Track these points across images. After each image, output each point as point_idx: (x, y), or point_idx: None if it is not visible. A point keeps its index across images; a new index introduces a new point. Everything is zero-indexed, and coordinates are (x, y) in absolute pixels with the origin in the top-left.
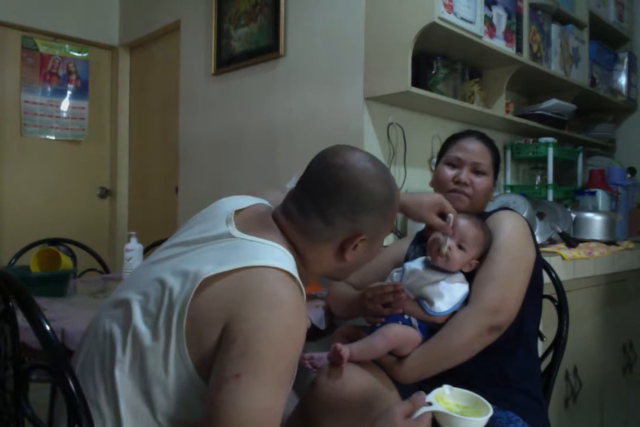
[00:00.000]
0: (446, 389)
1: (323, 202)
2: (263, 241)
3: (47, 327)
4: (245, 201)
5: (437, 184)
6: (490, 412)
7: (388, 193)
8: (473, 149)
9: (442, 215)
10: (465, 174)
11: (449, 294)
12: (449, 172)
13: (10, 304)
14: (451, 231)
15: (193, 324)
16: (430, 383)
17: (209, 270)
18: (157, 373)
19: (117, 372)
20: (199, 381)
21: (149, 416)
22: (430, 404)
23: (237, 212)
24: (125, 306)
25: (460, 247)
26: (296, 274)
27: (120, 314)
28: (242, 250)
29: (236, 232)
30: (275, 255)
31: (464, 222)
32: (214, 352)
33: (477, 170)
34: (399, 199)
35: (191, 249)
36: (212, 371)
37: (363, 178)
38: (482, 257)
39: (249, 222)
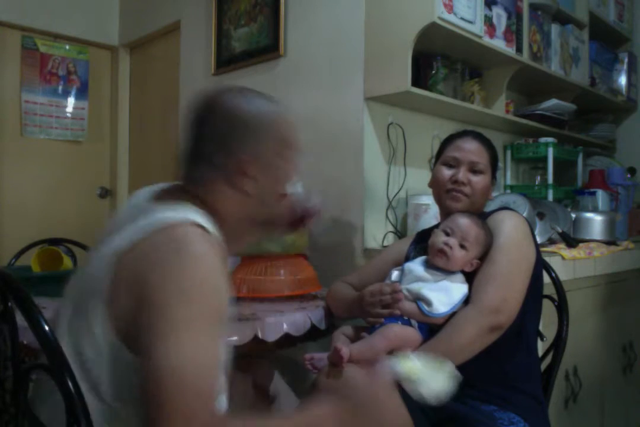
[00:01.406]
0: (409, 355)
1: (197, 147)
2: (167, 205)
3: (46, 328)
4: (156, 186)
5: (435, 184)
6: (451, 369)
7: (256, 109)
8: (469, 148)
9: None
10: (462, 174)
11: (447, 295)
12: (447, 172)
13: (9, 304)
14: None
15: (113, 302)
16: None
17: (122, 243)
18: (93, 359)
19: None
20: (131, 357)
21: (98, 401)
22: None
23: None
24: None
25: (462, 246)
26: (207, 225)
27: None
28: (149, 217)
29: (145, 205)
30: (178, 211)
31: (465, 221)
32: (135, 322)
33: (474, 170)
34: (279, 114)
35: (113, 232)
36: (138, 340)
37: (222, 105)
38: (483, 257)
39: (157, 196)
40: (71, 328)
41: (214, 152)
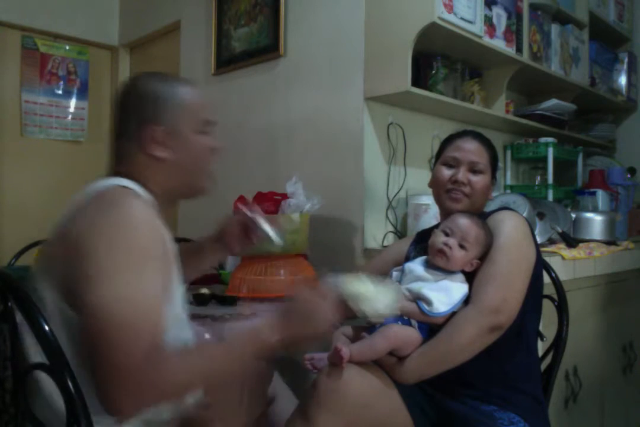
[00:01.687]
0: (359, 275)
1: (115, 120)
2: (94, 184)
3: (46, 327)
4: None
5: (435, 184)
6: (395, 287)
7: (163, 85)
8: (469, 148)
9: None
10: (462, 174)
11: (448, 294)
12: (446, 172)
13: (9, 303)
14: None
15: (56, 266)
16: (431, 383)
17: (62, 221)
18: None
19: None
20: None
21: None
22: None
23: None
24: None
25: (461, 246)
26: (135, 188)
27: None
28: (80, 194)
29: (74, 195)
30: (106, 182)
31: (465, 221)
32: (73, 278)
33: (474, 170)
34: (186, 90)
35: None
36: (76, 293)
37: (133, 87)
38: (483, 257)
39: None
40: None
41: (126, 122)
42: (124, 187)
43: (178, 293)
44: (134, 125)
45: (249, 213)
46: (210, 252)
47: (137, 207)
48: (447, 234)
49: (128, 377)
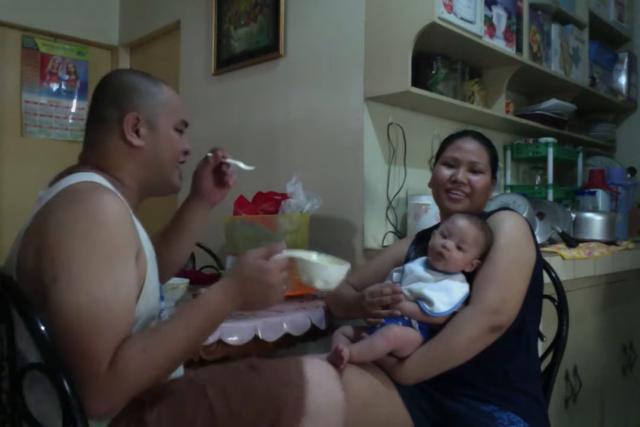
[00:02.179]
0: (302, 251)
1: (91, 109)
2: (58, 182)
3: (42, 328)
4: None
5: (435, 184)
6: (347, 266)
7: (145, 79)
8: (469, 148)
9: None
10: (462, 174)
11: (448, 294)
12: (446, 172)
13: (7, 303)
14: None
15: (21, 264)
16: (431, 383)
17: (26, 221)
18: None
19: None
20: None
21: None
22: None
23: None
24: None
25: (459, 248)
26: (101, 181)
27: None
28: (42, 199)
29: (40, 192)
30: (71, 178)
31: (463, 222)
32: (38, 274)
33: (474, 170)
34: (167, 89)
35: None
36: (41, 291)
37: (116, 76)
38: (484, 257)
39: (58, 178)
40: None
41: (104, 108)
42: (93, 182)
43: (153, 291)
44: (112, 112)
45: (209, 155)
46: (193, 212)
47: (106, 201)
48: (445, 236)
49: (95, 379)
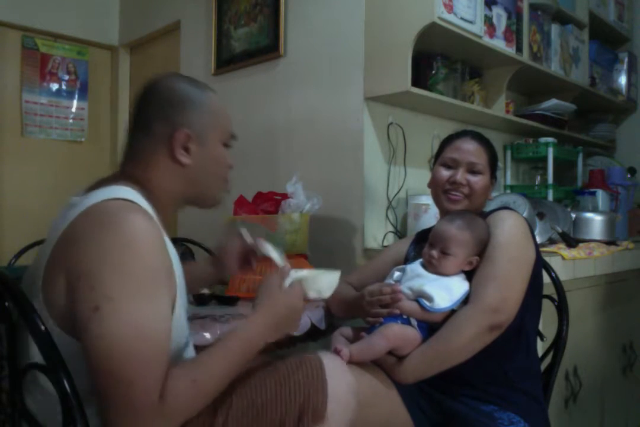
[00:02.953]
0: (299, 270)
1: (138, 117)
2: (96, 191)
3: (42, 327)
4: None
5: (434, 185)
6: (336, 273)
7: (196, 90)
8: (468, 148)
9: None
10: (461, 175)
11: (448, 291)
12: (445, 173)
13: (7, 303)
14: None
15: (49, 287)
16: (431, 383)
17: (54, 235)
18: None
19: None
20: (73, 342)
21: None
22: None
23: None
24: None
25: (446, 253)
26: (135, 199)
27: None
28: (76, 205)
29: (74, 199)
30: (108, 192)
31: (445, 228)
32: (71, 301)
33: (473, 170)
34: (216, 99)
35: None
36: (76, 318)
37: (165, 83)
38: (482, 254)
39: (93, 187)
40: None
41: (153, 120)
42: (124, 200)
43: (182, 312)
44: (162, 126)
45: (249, 238)
46: (204, 275)
47: (140, 224)
48: (431, 244)
49: (142, 413)
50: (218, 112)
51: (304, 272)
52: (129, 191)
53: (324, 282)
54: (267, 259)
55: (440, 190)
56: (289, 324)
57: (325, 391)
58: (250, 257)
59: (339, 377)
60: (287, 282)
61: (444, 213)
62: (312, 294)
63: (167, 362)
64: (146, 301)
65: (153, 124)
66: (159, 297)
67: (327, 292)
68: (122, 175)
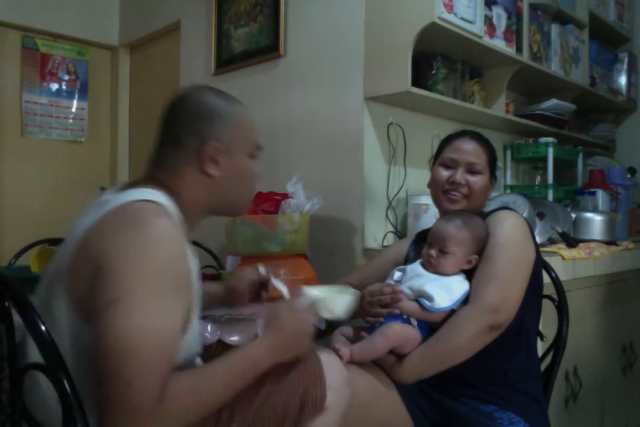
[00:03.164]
0: (314, 288)
1: (166, 129)
2: (128, 191)
3: (42, 327)
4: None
5: (433, 185)
6: (352, 293)
7: (224, 102)
8: (467, 149)
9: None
10: (460, 175)
11: (448, 291)
12: (444, 173)
13: (6, 303)
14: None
15: (71, 277)
16: (431, 383)
17: (82, 229)
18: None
19: None
20: (90, 334)
21: None
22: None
23: None
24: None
25: (444, 253)
26: (164, 202)
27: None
28: (108, 202)
29: (104, 197)
30: (138, 193)
31: (442, 227)
32: (92, 293)
33: (472, 170)
34: (244, 110)
35: (75, 229)
36: (94, 309)
37: (195, 96)
38: (481, 254)
39: (119, 188)
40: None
41: (182, 133)
42: (154, 202)
43: (195, 319)
44: (191, 139)
45: (263, 271)
46: (211, 302)
47: (166, 229)
48: (430, 244)
49: (136, 412)
50: (245, 124)
51: (319, 292)
52: (159, 196)
53: (339, 303)
54: (268, 258)
55: (439, 191)
56: (295, 347)
57: (324, 383)
58: (261, 291)
59: (333, 368)
60: (301, 302)
61: (444, 213)
62: (326, 315)
63: (169, 366)
64: (158, 303)
65: (182, 137)
66: (171, 302)
67: (342, 314)
68: (152, 180)
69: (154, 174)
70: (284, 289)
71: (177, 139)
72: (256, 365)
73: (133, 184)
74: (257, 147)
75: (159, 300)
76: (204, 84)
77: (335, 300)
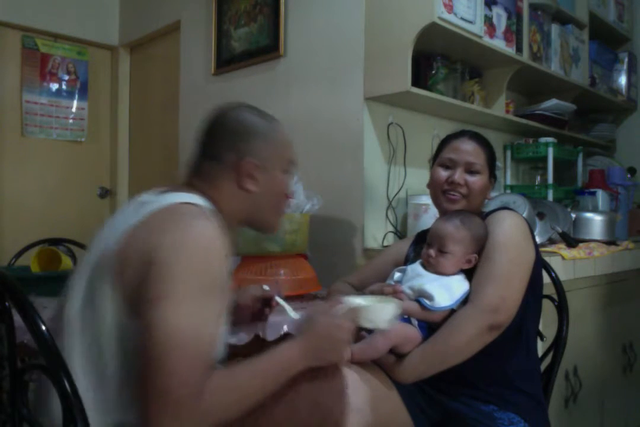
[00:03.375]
0: (356, 297)
1: (206, 144)
2: (172, 193)
3: (43, 327)
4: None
5: (432, 185)
6: (395, 303)
7: (262, 120)
8: (466, 149)
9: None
10: (458, 175)
11: (449, 290)
12: (443, 174)
13: (7, 303)
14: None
15: (119, 272)
16: (431, 383)
17: (129, 224)
18: (101, 341)
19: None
20: (136, 328)
21: (101, 381)
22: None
23: None
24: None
25: (443, 252)
26: (206, 205)
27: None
28: (153, 203)
29: (146, 198)
30: (184, 197)
31: (440, 226)
32: (138, 288)
33: (471, 170)
34: (279, 127)
35: (114, 226)
36: (141, 302)
37: (233, 114)
38: (481, 254)
39: (160, 191)
40: (82, 312)
41: (221, 148)
42: (199, 206)
43: (224, 324)
44: (229, 154)
45: (267, 288)
46: None
47: (215, 235)
48: (429, 244)
49: (177, 405)
50: (281, 140)
51: (360, 301)
52: (202, 200)
53: (380, 313)
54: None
55: (438, 191)
56: (329, 355)
57: (346, 402)
58: (265, 308)
59: (357, 388)
60: (341, 309)
61: (443, 213)
62: (366, 324)
63: (209, 364)
64: (203, 303)
65: (221, 153)
66: (214, 303)
67: (382, 324)
68: (192, 187)
69: (193, 182)
70: (287, 307)
71: (216, 154)
72: (289, 368)
73: (173, 187)
74: (292, 163)
75: (203, 301)
76: (204, 85)
77: (376, 309)
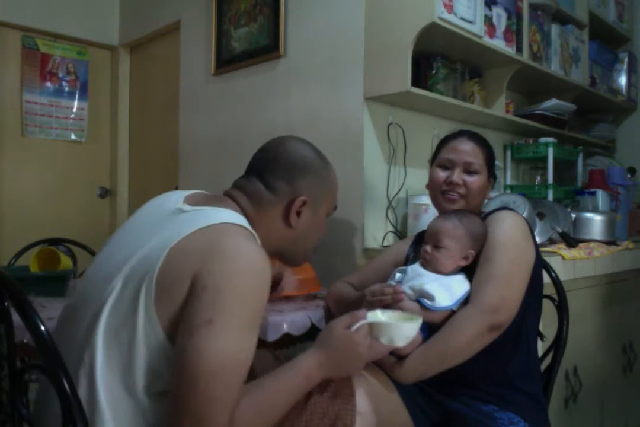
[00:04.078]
0: (378, 312)
1: (264, 170)
2: (215, 208)
3: (42, 327)
4: (186, 191)
5: (431, 186)
6: (417, 321)
7: (320, 161)
8: (464, 149)
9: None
10: (457, 175)
11: (449, 290)
12: (441, 174)
13: (6, 303)
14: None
15: (162, 288)
16: (431, 383)
17: (172, 237)
18: (127, 350)
19: (94, 362)
20: (169, 348)
21: (128, 397)
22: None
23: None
24: (96, 294)
25: (438, 247)
26: (249, 228)
27: (92, 304)
28: (197, 217)
29: (187, 207)
30: (231, 215)
31: (435, 223)
32: (182, 308)
33: (469, 170)
34: (333, 171)
35: (147, 231)
36: (182, 323)
37: (296, 149)
38: (481, 254)
39: (198, 200)
40: (111, 314)
41: (279, 181)
42: (246, 229)
43: None
44: (284, 187)
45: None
46: None
47: (264, 260)
48: (426, 242)
49: None
50: (334, 185)
51: (381, 316)
52: (241, 218)
53: (400, 331)
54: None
55: (437, 191)
56: (347, 370)
57: (354, 407)
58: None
59: (359, 390)
60: (360, 324)
61: (442, 213)
62: (383, 340)
63: (241, 391)
64: (250, 330)
65: (277, 184)
66: (256, 331)
67: (400, 342)
68: (235, 203)
69: (238, 198)
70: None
71: (271, 182)
72: (309, 382)
73: (214, 200)
74: (335, 207)
75: (250, 328)
76: (204, 85)
77: (398, 328)
